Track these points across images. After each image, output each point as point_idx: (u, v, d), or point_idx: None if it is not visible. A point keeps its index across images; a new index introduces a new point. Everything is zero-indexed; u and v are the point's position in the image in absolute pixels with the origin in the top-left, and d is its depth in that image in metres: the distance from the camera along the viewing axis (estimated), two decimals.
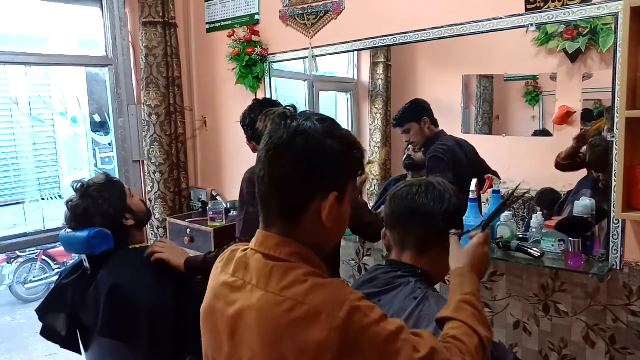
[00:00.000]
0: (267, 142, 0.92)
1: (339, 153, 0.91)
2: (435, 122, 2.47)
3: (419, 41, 2.17)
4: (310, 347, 0.81)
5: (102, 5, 2.97)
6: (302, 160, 0.88)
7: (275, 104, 2.12)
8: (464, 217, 1.31)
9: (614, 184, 1.71)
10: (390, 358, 0.82)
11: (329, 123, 0.94)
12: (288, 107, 0.98)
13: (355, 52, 2.78)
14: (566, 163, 2.14)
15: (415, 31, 2.17)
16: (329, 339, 0.80)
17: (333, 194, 0.90)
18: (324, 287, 0.85)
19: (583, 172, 2.09)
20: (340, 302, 0.82)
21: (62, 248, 1.82)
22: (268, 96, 2.79)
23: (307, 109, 2.81)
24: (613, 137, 1.71)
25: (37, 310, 1.69)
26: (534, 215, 1.99)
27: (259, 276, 0.90)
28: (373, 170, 2.97)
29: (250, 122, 2.00)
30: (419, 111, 2.47)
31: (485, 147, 2.57)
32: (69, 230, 1.65)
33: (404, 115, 2.52)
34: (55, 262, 5.59)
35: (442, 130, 2.47)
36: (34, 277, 5.49)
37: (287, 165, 0.89)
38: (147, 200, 3.05)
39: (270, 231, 0.94)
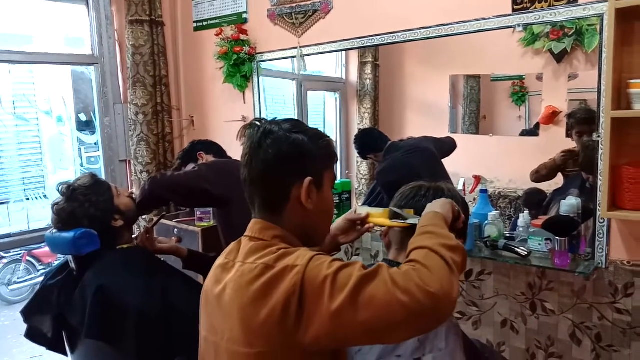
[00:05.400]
0: (244, 149, 1.04)
1: (305, 143, 1.02)
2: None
3: (407, 41, 2.18)
4: (279, 302, 0.87)
5: (88, 3, 2.94)
6: (273, 155, 1.00)
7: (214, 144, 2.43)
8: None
9: (599, 183, 1.73)
10: (343, 283, 0.86)
11: (294, 122, 1.06)
12: (256, 119, 1.08)
13: (344, 52, 2.78)
14: (545, 176, 2.17)
15: (403, 31, 2.17)
16: (294, 284, 0.87)
17: (308, 178, 1.00)
18: (292, 252, 0.94)
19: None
20: (303, 256, 0.91)
21: (47, 249, 1.79)
22: (256, 95, 2.79)
23: (295, 109, 2.81)
24: (598, 137, 1.73)
25: (22, 312, 1.66)
26: (520, 215, 2.00)
27: (243, 254, 1.00)
28: (361, 170, 2.98)
29: (184, 158, 2.37)
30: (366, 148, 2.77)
31: (472, 146, 2.58)
32: (55, 230, 1.62)
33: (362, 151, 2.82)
34: (40, 263, 5.50)
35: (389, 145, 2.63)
36: (18, 278, 5.39)
37: (261, 163, 1.01)
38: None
39: (258, 219, 1.05)
